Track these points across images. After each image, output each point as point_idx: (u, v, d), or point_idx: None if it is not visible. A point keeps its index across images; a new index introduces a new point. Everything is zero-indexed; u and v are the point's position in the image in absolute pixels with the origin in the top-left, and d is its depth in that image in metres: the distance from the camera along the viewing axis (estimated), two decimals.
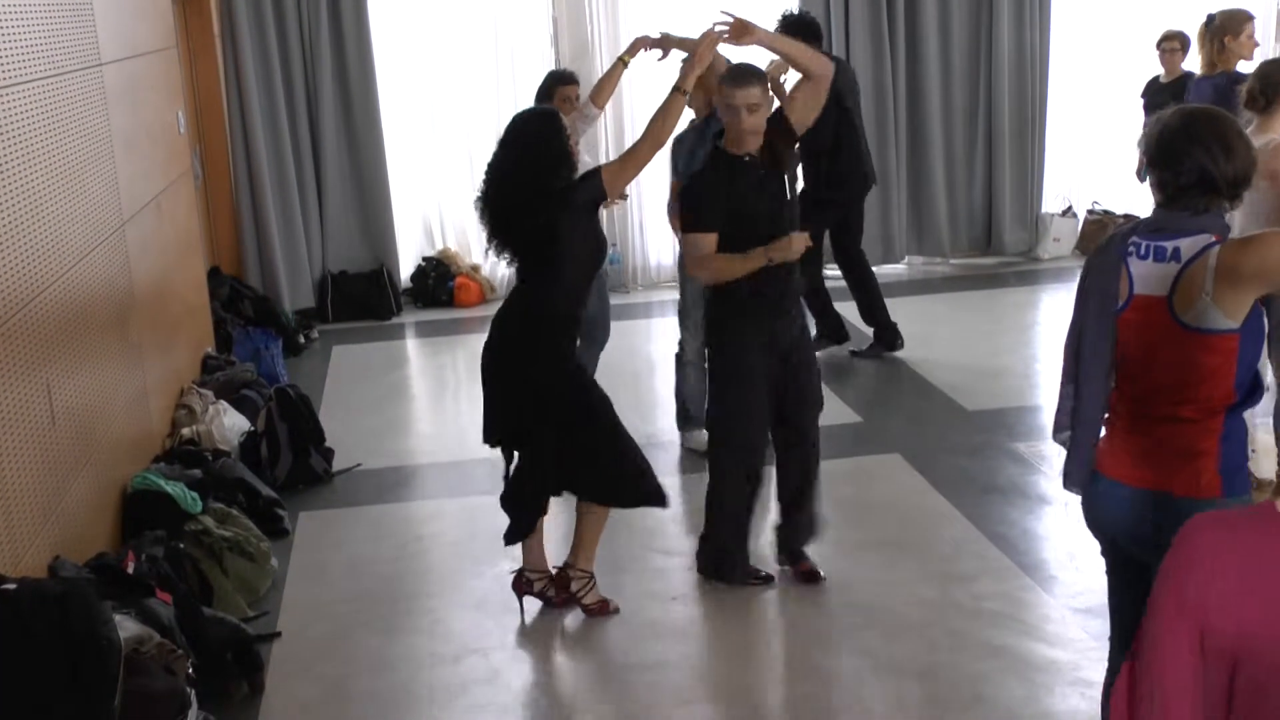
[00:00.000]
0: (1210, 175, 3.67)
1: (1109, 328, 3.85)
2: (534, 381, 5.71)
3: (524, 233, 5.65)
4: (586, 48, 11.80)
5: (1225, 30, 9.45)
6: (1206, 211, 3.71)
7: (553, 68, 11.58)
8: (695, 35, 5.94)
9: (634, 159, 5.65)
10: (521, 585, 6.03)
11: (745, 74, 5.71)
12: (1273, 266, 3.52)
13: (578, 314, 5.77)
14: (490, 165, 5.76)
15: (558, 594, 6.02)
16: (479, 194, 5.80)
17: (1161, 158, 3.76)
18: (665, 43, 6.79)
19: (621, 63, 7.28)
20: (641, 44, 7.09)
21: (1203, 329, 3.63)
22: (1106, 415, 3.97)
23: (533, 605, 6.07)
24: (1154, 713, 2.23)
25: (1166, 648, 2.19)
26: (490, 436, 5.98)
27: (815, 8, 11.57)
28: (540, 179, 5.55)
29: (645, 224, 12.06)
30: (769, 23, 9.12)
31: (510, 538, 5.98)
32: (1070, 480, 4.06)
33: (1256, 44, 9.19)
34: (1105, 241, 3.93)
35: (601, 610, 5.97)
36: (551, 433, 5.72)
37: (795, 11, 9.36)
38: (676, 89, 5.66)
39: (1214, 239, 3.64)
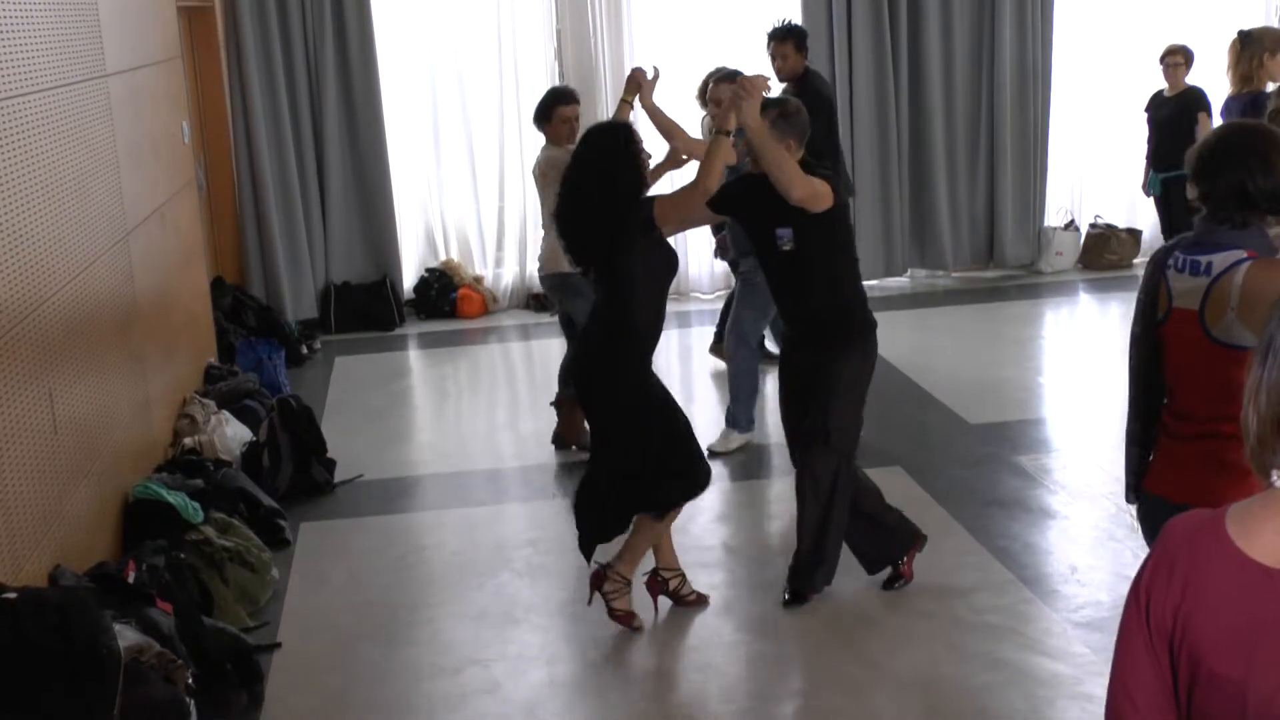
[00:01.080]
0: (1246, 189, 3.69)
1: (1148, 339, 3.90)
2: (618, 395, 5.76)
3: (594, 249, 5.75)
4: (591, 61, 11.82)
5: (1264, 47, 9.44)
6: (1245, 226, 3.72)
7: (556, 82, 11.64)
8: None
9: (684, 203, 5.71)
10: (656, 585, 6.06)
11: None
12: (1260, 308, 3.51)
13: (655, 325, 5.81)
14: (564, 181, 5.88)
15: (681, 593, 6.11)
16: (554, 211, 5.93)
17: (1202, 172, 3.79)
18: (645, 100, 6.88)
19: (626, 103, 7.25)
20: (639, 79, 7.03)
21: (1232, 344, 3.64)
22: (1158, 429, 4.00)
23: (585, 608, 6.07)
24: (1110, 692, 2.30)
25: (1122, 634, 2.26)
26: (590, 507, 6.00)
27: (819, 19, 11.61)
28: (605, 193, 5.63)
29: None
30: (758, 32, 9.37)
31: (587, 547, 5.97)
32: (1127, 491, 4.17)
33: None
34: (1153, 253, 3.96)
35: (626, 620, 5.96)
36: (634, 448, 5.77)
37: (784, 21, 9.41)
38: (719, 132, 5.63)
39: (1246, 255, 3.65)
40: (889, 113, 11.89)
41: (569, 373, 7.24)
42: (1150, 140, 10.80)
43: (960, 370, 9.57)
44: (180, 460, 7.18)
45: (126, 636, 4.61)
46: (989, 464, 7.68)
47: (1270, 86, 9.47)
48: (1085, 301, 11.67)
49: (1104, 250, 12.40)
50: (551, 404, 8.27)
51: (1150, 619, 2.20)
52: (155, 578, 5.54)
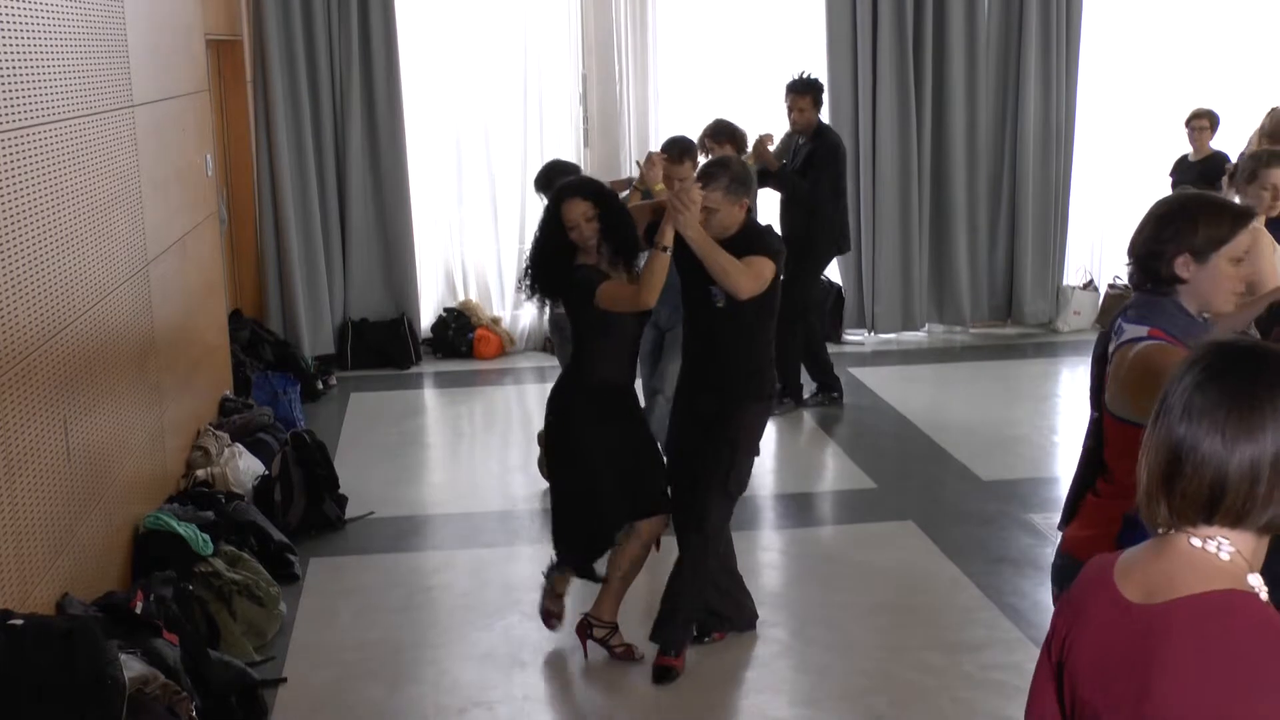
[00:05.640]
0: (1139, 253, 3.77)
1: (1098, 395, 3.90)
2: (584, 436, 5.87)
3: (558, 300, 6.00)
4: (615, 105, 11.86)
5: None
6: (1164, 295, 3.73)
7: (580, 125, 11.73)
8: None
9: (621, 300, 5.70)
10: (584, 630, 6.08)
11: (706, 175, 5.83)
12: (1131, 389, 3.54)
13: (619, 381, 5.91)
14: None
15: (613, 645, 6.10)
16: (524, 269, 6.07)
17: None
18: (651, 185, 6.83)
19: (637, 190, 7.18)
20: (651, 165, 6.97)
21: (1116, 415, 3.65)
22: None
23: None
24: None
25: (1036, 667, 2.48)
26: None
27: (843, 77, 11.66)
28: (553, 251, 5.85)
29: None
30: (777, 86, 9.51)
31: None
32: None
33: None
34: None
35: (629, 656, 6.00)
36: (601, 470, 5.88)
37: (804, 74, 9.56)
38: (657, 248, 5.63)
39: (1148, 332, 3.63)
40: (911, 167, 11.90)
41: None
42: None
43: (975, 426, 9.55)
44: (192, 492, 7.19)
45: (132, 667, 4.61)
46: (1001, 521, 7.65)
47: None
48: None
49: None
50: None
51: (1050, 650, 2.41)
52: (163, 609, 5.53)
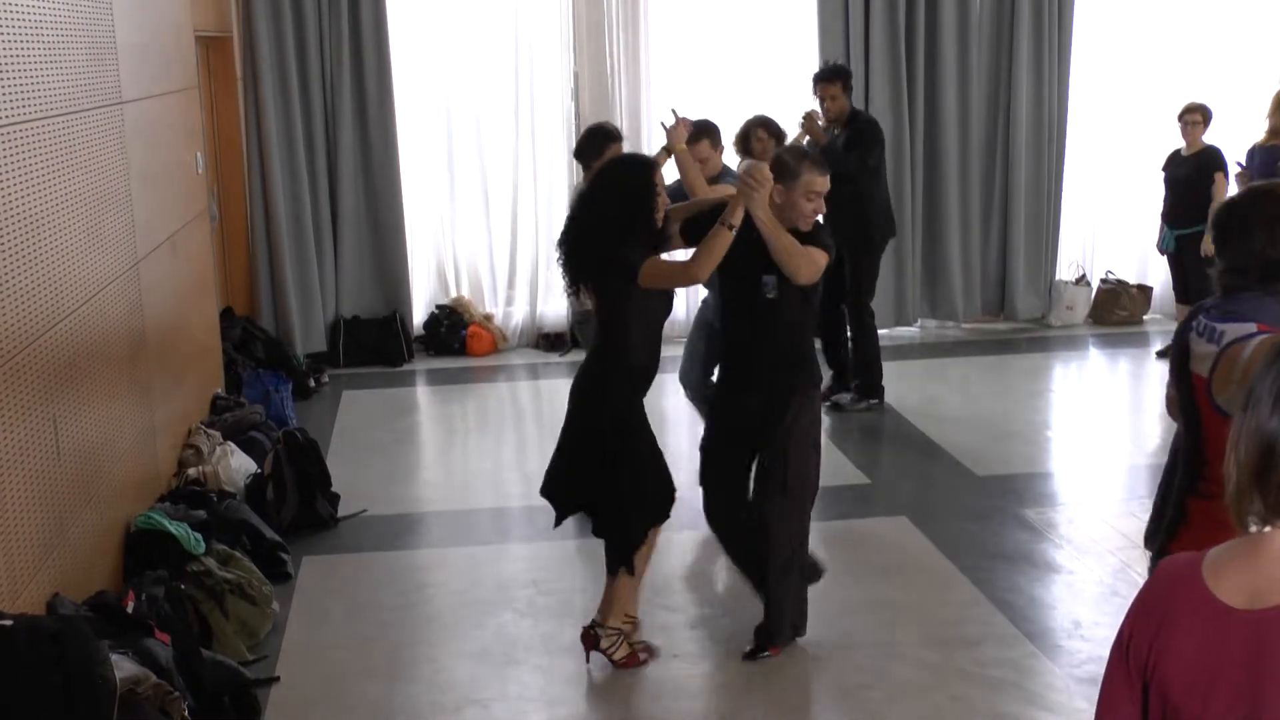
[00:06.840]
0: (1262, 257, 3.64)
1: (1179, 399, 3.85)
2: (607, 426, 5.74)
3: (587, 272, 5.74)
4: (607, 104, 11.82)
5: None
6: (1267, 295, 3.64)
7: (572, 123, 11.73)
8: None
9: (669, 276, 5.68)
10: (590, 640, 5.99)
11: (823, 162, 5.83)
12: None
13: (650, 362, 5.78)
14: (576, 201, 5.89)
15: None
16: (560, 238, 5.86)
17: (1220, 236, 3.73)
18: (677, 145, 6.70)
19: (665, 152, 7.11)
20: (679, 128, 6.84)
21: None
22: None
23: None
24: None
25: (1106, 670, 2.41)
26: (553, 489, 6.03)
27: None
28: (615, 222, 5.60)
29: None
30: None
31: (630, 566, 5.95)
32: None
33: None
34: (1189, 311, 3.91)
35: (630, 664, 5.93)
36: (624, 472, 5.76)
37: (830, 62, 9.55)
38: (723, 224, 5.51)
39: (1258, 328, 3.56)
40: (904, 162, 11.88)
41: None
42: (1166, 199, 10.79)
43: (968, 422, 9.54)
44: (184, 491, 7.16)
45: (123, 667, 4.59)
46: (995, 517, 7.64)
47: None
48: (1095, 356, 11.64)
49: (1114, 306, 12.38)
50: None
51: (1130, 656, 2.33)
52: (154, 608, 5.51)
